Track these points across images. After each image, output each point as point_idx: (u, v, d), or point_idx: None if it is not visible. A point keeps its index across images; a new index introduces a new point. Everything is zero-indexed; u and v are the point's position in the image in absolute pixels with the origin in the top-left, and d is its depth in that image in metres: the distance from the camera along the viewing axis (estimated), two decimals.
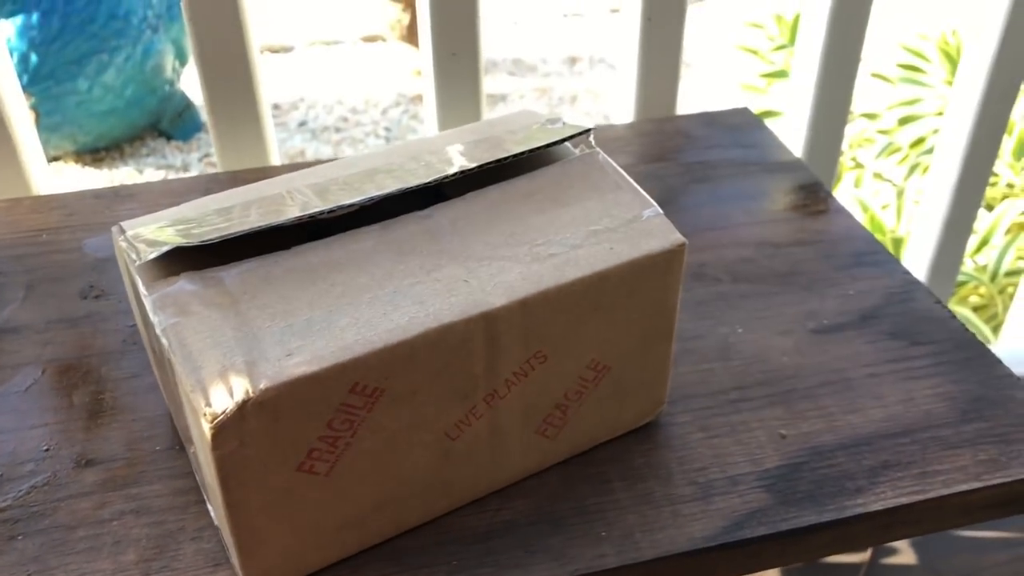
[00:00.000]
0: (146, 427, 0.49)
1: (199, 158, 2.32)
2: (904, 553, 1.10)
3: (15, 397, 0.50)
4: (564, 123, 0.48)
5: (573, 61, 2.69)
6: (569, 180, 0.45)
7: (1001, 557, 1.08)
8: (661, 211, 0.43)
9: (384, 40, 2.78)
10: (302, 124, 2.42)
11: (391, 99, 2.54)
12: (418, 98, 2.54)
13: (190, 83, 2.47)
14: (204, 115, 2.44)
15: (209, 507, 0.44)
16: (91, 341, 0.54)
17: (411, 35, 2.58)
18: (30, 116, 0.69)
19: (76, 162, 2.27)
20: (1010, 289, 1.30)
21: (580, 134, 0.46)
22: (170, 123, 2.35)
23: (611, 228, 0.43)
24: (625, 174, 0.45)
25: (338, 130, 2.42)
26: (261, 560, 0.39)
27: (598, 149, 0.46)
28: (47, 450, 0.47)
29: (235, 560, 0.40)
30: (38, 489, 0.45)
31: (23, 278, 0.59)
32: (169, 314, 0.37)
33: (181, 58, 2.33)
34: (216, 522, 0.43)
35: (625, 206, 0.44)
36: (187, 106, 2.37)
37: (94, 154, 2.31)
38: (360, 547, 0.42)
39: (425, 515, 0.43)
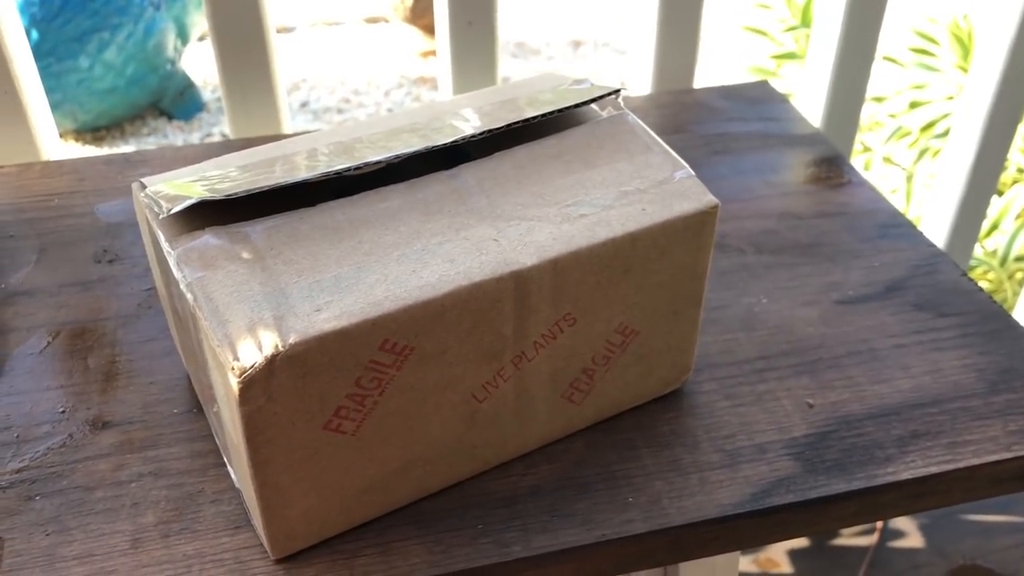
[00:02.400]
0: (163, 390, 0.48)
1: (200, 138, 2.30)
2: (912, 536, 1.10)
3: (30, 359, 0.49)
4: (591, 84, 0.47)
5: (577, 44, 2.68)
6: (598, 141, 0.44)
7: (1009, 541, 1.08)
8: (693, 173, 0.43)
9: (387, 21, 2.76)
10: (304, 105, 2.41)
11: (394, 80, 2.52)
12: (421, 80, 2.52)
13: (191, 62, 2.45)
14: (217, 88, 2.42)
15: (230, 469, 0.43)
16: (105, 305, 0.53)
17: (414, 16, 2.56)
18: (39, 83, 0.68)
19: (76, 140, 2.26)
20: (1019, 274, 1.30)
21: (608, 95, 0.45)
22: (171, 102, 2.34)
23: (642, 189, 0.42)
24: (655, 135, 0.44)
25: (340, 111, 2.40)
26: (284, 521, 0.39)
27: (627, 110, 0.46)
28: (63, 412, 0.47)
29: (257, 522, 0.39)
30: (54, 450, 0.45)
31: (35, 242, 0.58)
32: (194, 268, 0.36)
33: (183, 37, 2.31)
34: (237, 484, 0.42)
35: (656, 167, 0.43)
36: (188, 85, 2.35)
37: (94, 132, 2.29)
38: (384, 510, 0.41)
39: (449, 478, 0.43)
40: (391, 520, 0.41)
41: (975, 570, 1.05)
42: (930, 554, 1.07)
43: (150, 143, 2.27)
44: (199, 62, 2.55)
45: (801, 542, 1.09)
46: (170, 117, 2.35)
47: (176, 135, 2.30)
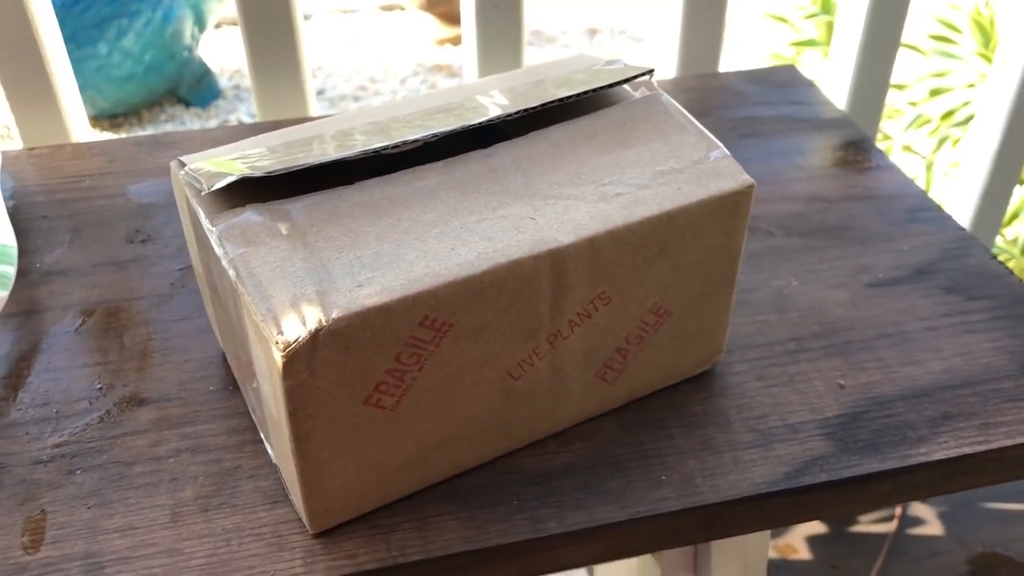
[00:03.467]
0: (198, 368, 0.48)
1: (217, 125, 2.31)
2: (931, 524, 1.10)
3: (66, 337, 0.50)
4: (624, 64, 0.47)
5: (593, 32, 2.67)
6: (633, 121, 0.44)
7: None
8: (728, 152, 0.43)
9: (403, 9, 2.76)
10: (320, 92, 2.41)
11: (409, 68, 2.52)
12: (437, 67, 2.52)
13: (208, 49, 2.46)
14: (234, 75, 2.43)
15: (267, 446, 0.43)
16: (139, 284, 0.54)
17: (430, 4, 2.56)
18: (69, 66, 0.69)
19: (94, 127, 2.27)
20: None
21: (641, 75, 0.45)
22: (188, 89, 2.34)
23: (678, 169, 0.42)
24: (689, 115, 0.44)
25: (356, 99, 2.40)
26: (323, 496, 0.39)
27: (660, 91, 0.46)
28: (100, 388, 0.47)
29: (296, 496, 0.40)
30: (93, 426, 0.45)
31: (68, 223, 0.58)
32: (236, 244, 0.37)
33: (200, 24, 2.31)
34: (274, 460, 0.43)
35: (691, 147, 0.43)
36: (205, 72, 2.36)
37: (112, 119, 2.30)
38: (420, 485, 0.42)
39: (484, 455, 0.43)
40: (427, 496, 0.42)
41: (995, 557, 1.06)
42: (949, 542, 1.07)
43: (167, 130, 2.28)
44: (216, 49, 2.55)
45: (820, 528, 1.09)
46: (187, 104, 2.36)
47: (193, 122, 2.31)
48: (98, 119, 2.28)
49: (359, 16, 2.75)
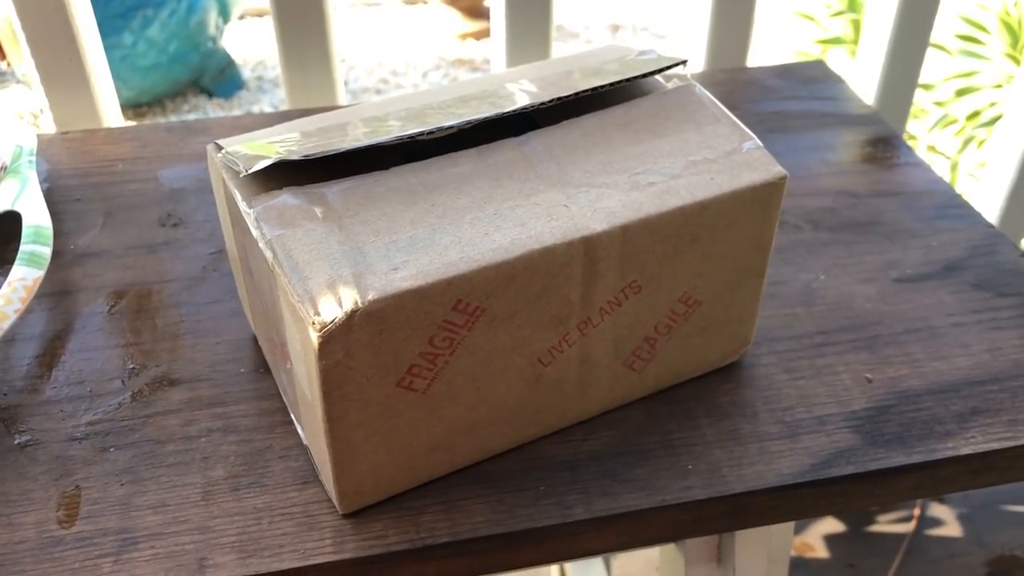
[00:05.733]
0: (230, 350, 0.49)
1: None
2: (950, 525, 1.09)
3: (100, 317, 0.51)
4: (657, 55, 0.47)
5: (616, 28, 2.67)
6: (666, 111, 0.44)
7: None
8: (761, 144, 0.43)
9: (425, 2, 2.77)
10: (343, 84, 2.42)
11: (432, 62, 2.53)
12: (459, 61, 2.53)
13: (232, 40, 2.47)
14: (257, 66, 2.44)
15: (297, 427, 0.44)
16: (171, 267, 0.54)
17: None
18: (102, 51, 0.69)
19: None
20: None
21: (674, 66, 0.46)
22: (212, 80, 2.36)
23: (710, 159, 0.42)
24: (723, 106, 0.45)
25: (378, 92, 2.41)
26: (353, 477, 0.39)
27: (694, 81, 0.46)
28: (132, 368, 0.48)
29: (326, 477, 0.40)
30: (126, 405, 0.46)
31: (101, 205, 0.59)
32: (273, 226, 0.37)
33: (224, 15, 2.33)
34: (305, 441, 0.43)
35: (724, 138, 0.43)
36: (229, 63, 2.37)
37: (136, 109, 2.32)
38: (449, 469, 0.42)
39: (512, 441, 0.43)
40: (455, 480, 0.42)
41: (1013, 560, 1.05)
42: (968, 543, 1.07)
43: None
44: (240, 40, 2.57)
45: (837, 527, 1.09)
46: (210, 95, 2.38)
47: (216, 113, 2.32)
48: (122, 108, 2.30)
49: (382, 9, 2.76)
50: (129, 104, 2.29)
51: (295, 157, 0.38)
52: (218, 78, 2.37)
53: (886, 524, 1.09)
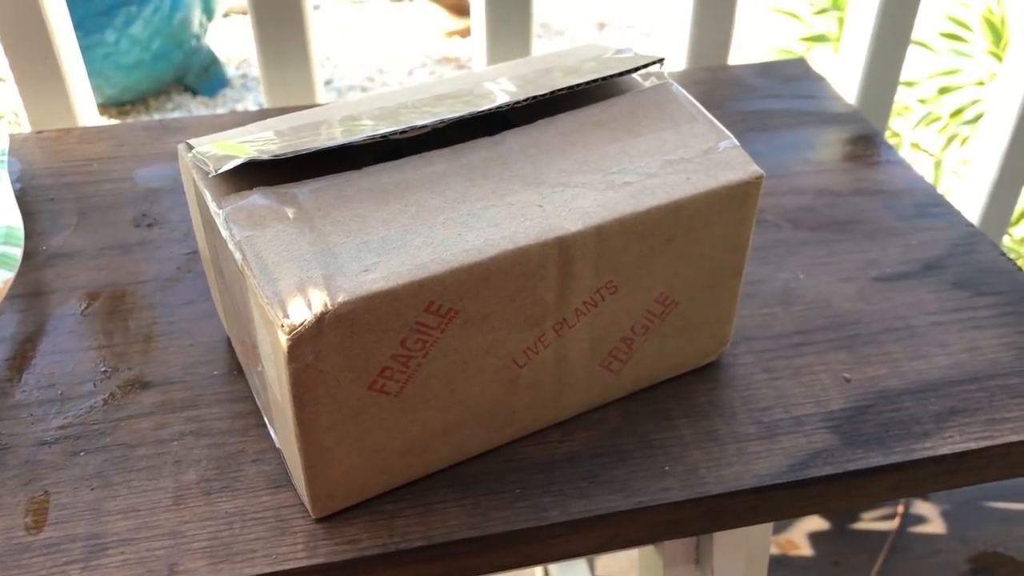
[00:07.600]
0: (203, 352, 0.48)
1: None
2: (933, 522, 1.10)
3: (72, 319, 0.50)
4: (635, 53, 0.47)
5: (601, 26, 2.66)
6: (642, 110, 0.44)
7: None
8: (737, 143, 0.43)
9: (411, 0, 2.76)
10: (328, 82, 2.41)
11: (418, 60, 2.52)
12: (445, 59, 2.52)
13: (216, 38, 2.46)
14: (241, 64, 2.43)
15: (270, 430, 0.43)
16: (145, 268, 0.54)
17: None
18: (78, 50, 0.68)
19: (102, 114, 2.27)
20: None
21: (651, 64, 0.45)
22: (196, 78, 2.34)
23: (687, 159, 0.42)
24: (699, 105, 0.44)
25: (363, 89, 2.40)
26: (326, 481, 0.39)
27: (670, 80, 0.45)
28: (105, 371, 0.47)
29: (299, 481, 0.40)
30: (97, 408, 0.45)
31: (75, 205, 0.58)
32: (243, 227, 0.37)
33: (208, 13, 2.31)
34: (278, 445, 0.43)
35: (700, 137, 0.43)
36: (213, 61, 2.36)
37: (119, 107, 2.30)
38: (424, 472, 0.42)
39: (488, 443, 0.43)
40: (430, 483, 0.42)
41: (996, 557, 1.05)
42: (951, 540, 1.07)
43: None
44: (224, 38, 2.55)
45: (821, 524, 1.09)
46: (194, 93, 2.36)
47: (200, 111, 2.31)
48: (105, 107, 2.28)
49: (368, 7, 2.75)
50: (112, 102, 2.27)
51: (266, 157, 0.38)
52: (202, 76, 2.35)
53: (870, 521, 1.09)
